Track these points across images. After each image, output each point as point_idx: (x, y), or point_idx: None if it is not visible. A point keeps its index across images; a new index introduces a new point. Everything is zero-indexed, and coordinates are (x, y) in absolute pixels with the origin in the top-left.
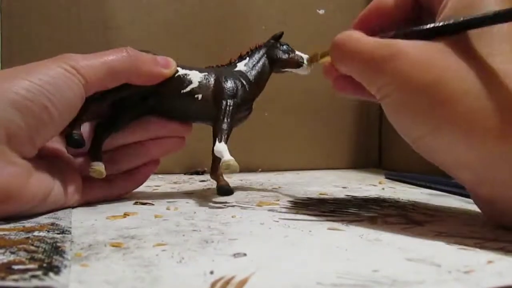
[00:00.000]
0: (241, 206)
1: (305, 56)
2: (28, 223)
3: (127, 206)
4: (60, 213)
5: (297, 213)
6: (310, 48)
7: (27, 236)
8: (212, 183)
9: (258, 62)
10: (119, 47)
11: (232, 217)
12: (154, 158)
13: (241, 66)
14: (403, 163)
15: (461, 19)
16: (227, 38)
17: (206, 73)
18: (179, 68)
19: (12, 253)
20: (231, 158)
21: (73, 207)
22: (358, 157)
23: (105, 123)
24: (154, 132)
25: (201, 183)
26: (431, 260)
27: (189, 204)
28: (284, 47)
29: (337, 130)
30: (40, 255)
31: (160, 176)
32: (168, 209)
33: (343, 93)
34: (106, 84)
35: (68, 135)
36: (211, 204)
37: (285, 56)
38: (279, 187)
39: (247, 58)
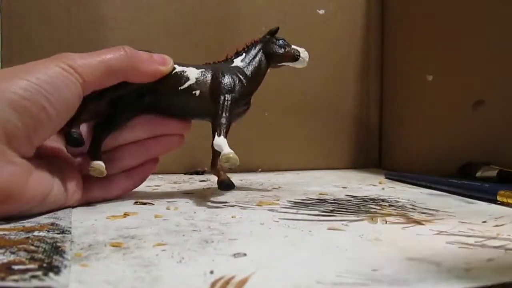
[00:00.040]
0: (241, 206)
1: (301, 50)
2: (28, 223)
3: (127, 206)
4: (60, 213)
5: (297, 213)
6: (310, 48)
7: (27, 236)
8: (212, 183)
9: (254, 57)
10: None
11: (232, 217)
12: (153, 157)
13: (238, 62)
14: (403, 163)
15: None
16: (227, 38)
17: (203, 70)
18: (176, 66)
19: (12, 253)
20: (231, 151)
21: (73, 207)
22: (358, 157)
23: (104, 122)
24: (153, 130)
25: (201, 183)
26: (431, 259)
27: (189, 204)
28: (280, 41)
29: (337, 130)
30: (40, 255)
31: (160, 176)
32: (168, 209)
33: None
34: (104, 83)
35: (67, 134)
36: (211, 204)
37: (281, 51)
38: (279, 187)
39: (244, 54)
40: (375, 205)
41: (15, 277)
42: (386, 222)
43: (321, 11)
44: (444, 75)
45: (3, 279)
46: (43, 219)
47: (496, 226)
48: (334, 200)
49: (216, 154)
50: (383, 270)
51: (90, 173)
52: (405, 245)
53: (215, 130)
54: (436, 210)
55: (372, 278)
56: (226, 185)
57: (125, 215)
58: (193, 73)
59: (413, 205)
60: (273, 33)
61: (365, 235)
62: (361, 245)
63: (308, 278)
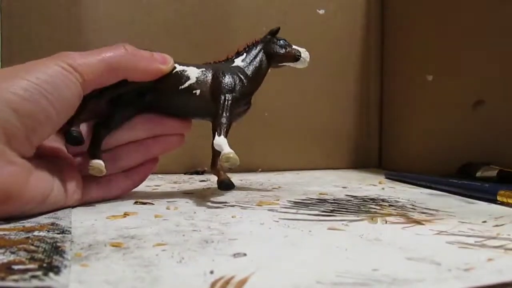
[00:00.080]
0: (241, 206)
1: (302, 50)
2: (28, 223)
3: (127, 206)
4: (60, 213)
5: (297, 213)
6: (310, 48)
7: (27, 236)
8: (212, 183)
9: (255, 57)
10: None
11: (232, 217)
12: (153, 157)
13: (238, 62)
14: (403, 163)
15: None
16: (227, 38)
17: (204, 69)
18: (176, 65)
19: (12, 253)
20: (231, 150)
21: (73, 207)
22: (358, 157)
23: (104, 121)
24: (153, 129)
25: (201, 183)
26: (431, 258)
27: (189, 204)
28: (281, 41)
29: (337, 130)
30: (40, 255)
31: (160, 175)
32: (168, 209)
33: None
34: (104, 81)
35: (67, 133)
36: (211, 204)
37: (282, 51)
38: (279, 187)
39: (244, 54)
40: (375, 205)
41: (15, 277)
42: (386, 222)
43: (321, 11)
44: (444, 75)
45: (3, 279)
46: (43, 219)
47: (496, 226)
48: (334, 200)
49: (216, 153)
50: (383, 270)
51: (89, 172)
52: (405, 245)
53: (215, 129)
54: (436, 210)
55: (372, 278)
56: (226, 185)
57: (125, 215)
58: (193, 73)
59: (413, 205)
60: (274, 33)
61: (365, 235)
62: (361, 245)
63: (308, 278)
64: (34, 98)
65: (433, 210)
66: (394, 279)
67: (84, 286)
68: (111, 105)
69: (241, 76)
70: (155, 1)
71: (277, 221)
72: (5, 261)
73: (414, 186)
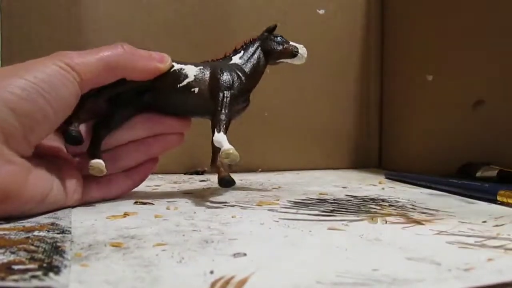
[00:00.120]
0: (241, 206)
1: (299, 46)
2: (28, 223)
3: (127, 206)
4: (60, 213)
5: (297, 213)
6: (310, 48)
7: (27, 236)
8: (212, 183)
9: (253, 54)
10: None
11: (232, 217)
12: (153, 156)
13: (236, 59)
14: (403, 163)
15: None
16: (227, 38)
17: (202, 67)
18: (174, 63)
19: (12, 253)
20: (231, 147)
21: (73, 207)
22: (358, 157)
23: (103, 121)
24: (152, 129)
25: (201, 183)
26: (431, 258)
27: (189, 204)
28: (278, 38)
29: (337, 130)
30: (40, 255)
31: (160, 175)
32: (168, 209)
33: None
34: (102, 80)
35: (66, 132)
36: (211, 204)
37: (279, 47)
38: (279, 187)
39: (242, 52)
40: (375, 205)
41: (15, 277)
42: (386, 222)
43: (321, 11)
44: (444, 75)
45: (3, 279)
46: (43, 219)
47: (496, 226)
48: (334, 200)
49: (216, 150)
50: (383, 270)
51: (89, 172)
52: (405, 245)
53: (215, 126)
54: (436, 210)
55: (372, 278)
56: (226, 182)
57: (125, 215)
58: (191, 71)
59: (413, 205)
60: (271, 30)
61: (365, 235)
62: (361, 245)
63: (308, 278)
64: (32, 97)
65: (433, 210)
66: (394, 279)
67: (84, 286)
68: (110, 105)
69: (239, 73)
70: (155, 1)
71: (277, 221)
72: (5, 261)
73: (414, 186)
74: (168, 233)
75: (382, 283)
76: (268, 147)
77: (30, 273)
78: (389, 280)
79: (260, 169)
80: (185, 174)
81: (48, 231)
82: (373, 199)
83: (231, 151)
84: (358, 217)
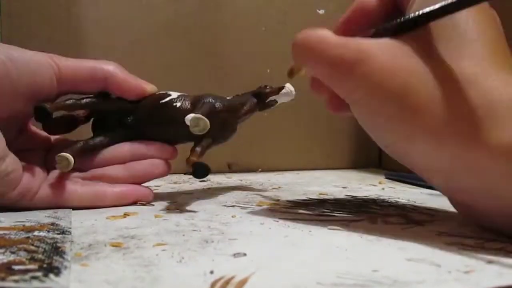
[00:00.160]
0: (241, 206)
1: (286, 84)
2: (28, 223)
3: (127, 206)
4: (60, 213)
5: (297, 213)
6: None
7: (27, 235)
8: (212, 183)
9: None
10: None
11: (232, 217)
12: (137, 180)
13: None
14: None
15: (423, 10)
16: (227, 39)
17: (185, 94)
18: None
19: (12, 253)
20: (200, 115)
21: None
22: (358, 157)
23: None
24: (136, 151)
25: (201, 183)
26: (431, 260)
27: (189, 204)
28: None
29: (337, 130)
30: (40, 256)
31: None
32: (168, 209)
33: (338, 113)
34: (83, 84)
35: (37, 106)
36: (211, 204)
37: (267, 89)
38: (279, 187)
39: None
40: (375, 205)
41: (16, 277)
42: (386, 222)
43: (321, 11)
44: None
45: (3, 279)
46: (43, 219)
47: None
48: (334, 200)
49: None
50: (383, 271)
51: (56, 166)
52: (405, 246)
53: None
54: (436, 211)
55: (373, 279)
56: (200, 168)
57: (125, 215)
58: (174, 93)
59: (413, 205)
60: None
61: (365, 235)
62: (361, 245)
63: (308, 278)
64: None
65: (433, 210)
66: (395, 281)
67: (84, 285)
68: (95, 129)
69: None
70: (155, 1)
71: (277, 221)
72: (5, 261)
73: (414, 186)
74: (168, 233)
75: (383, 285)
76: (268, 147)
77: (30, 274)
78: (389, 282)
79: (260, 169)
80: (185, 174)
81: (48, 231)
82: (373, 199)
83: (199, 115)
84: (358, 217)
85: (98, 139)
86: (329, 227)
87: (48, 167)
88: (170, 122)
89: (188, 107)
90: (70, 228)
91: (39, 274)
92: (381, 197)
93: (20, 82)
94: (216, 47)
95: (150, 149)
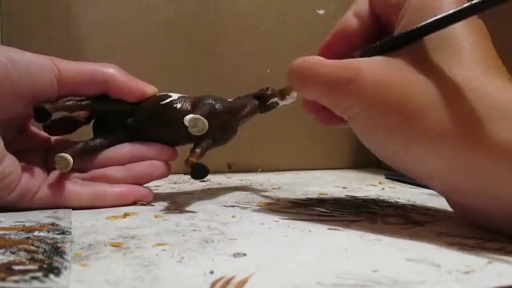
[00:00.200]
0: (241, 206)
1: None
2: (28, 223)
3: (127, 206)
4: (60, 213)
5: (297, 213)
6: (310, 48)
7: (27, 236)
8: (212, 183)
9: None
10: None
11: (232, 217)
12: (137, 181)
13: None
14: None
15: (414, 27)
16: (227, 39)
17: (186, 96)
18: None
19: (13, 253)
20: (199, 116)
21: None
22: (358, 157)
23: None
24: (136, 151)
25: (201, 183)
26: (431, 260)
27: (189, 204)
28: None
29: (337, 130)
30: (40, 256)
31: None
32: (168, 209)
33: (327, 126)
34: (83, 87)
35: (37, 106)
36: (211, 204)
37: (269, 92)
38: (279, 187)
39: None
40: (375, 205)
41: (16, 277)
42: (386, 223)
43: (321, 11)
44: None
45: (3, 279)
46: (43, 219)
47: None
48: (334, 200)
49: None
50: (383, 271)
51: (56, 166)
52: (405, 246)
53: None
54: (436, 211)
55: (373, 279)
56: (198, 169)
57: (125, 215)
58: (175, 95)
59: (413, 206)
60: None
61: (365, 235)
62: (361, 245)
63: (308, 278)
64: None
65: (433, 210)
66: (395, 281)
67: (84, 285)
68: (95, 130)
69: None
70: (155, 1)
71: (277, 221)
72: (5, 261)
73: (414, 186)
74: (168, 233)
75: (383, 285)
76: (268, 147)
77: (30, 274)
78: (389, 282)
79: (260, 169)
80: (185, 174)
81: (48, 232)
82: (373, 199)
83: (198, 116)
84: (358, 217)
85: (98, 140)
86: (329, 227)
87: (48, 168)
88: (170, 123)
89: (189, 108)
90: (70, 228)
91: (39, 274)
92: (381, 197)
93: (20, 84)
94: (216, 47)
95: (150, 151)
